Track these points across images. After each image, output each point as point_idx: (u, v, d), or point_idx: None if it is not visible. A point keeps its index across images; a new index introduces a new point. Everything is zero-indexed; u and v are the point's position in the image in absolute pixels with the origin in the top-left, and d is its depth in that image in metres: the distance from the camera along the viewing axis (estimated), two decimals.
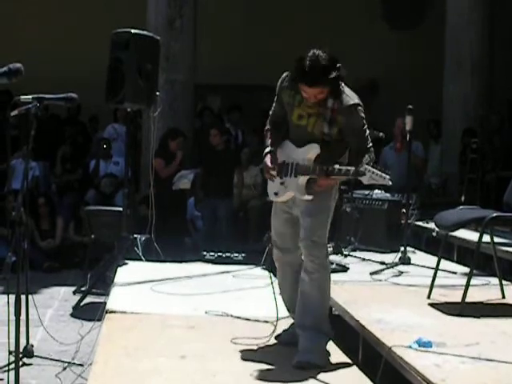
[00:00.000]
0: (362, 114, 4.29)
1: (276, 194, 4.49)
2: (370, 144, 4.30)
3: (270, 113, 4.61)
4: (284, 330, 4.55)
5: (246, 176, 10.93)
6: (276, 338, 4.52)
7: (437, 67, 12.06)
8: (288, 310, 4.62)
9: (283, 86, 4.40)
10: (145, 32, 7.81)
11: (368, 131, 4.33)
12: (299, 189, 4.34)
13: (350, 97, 4.27)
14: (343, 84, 4.25)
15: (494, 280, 5.82)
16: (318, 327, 4.27)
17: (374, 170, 4.05)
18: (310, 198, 4.30)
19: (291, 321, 4.57)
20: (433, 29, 12.78)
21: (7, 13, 13.42)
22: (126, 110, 7.86)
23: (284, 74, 4.41)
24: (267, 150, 4.46)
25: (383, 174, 4.06)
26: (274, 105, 4.57)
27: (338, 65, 4.11)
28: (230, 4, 13.80)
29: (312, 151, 4.30)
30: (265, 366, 4.08)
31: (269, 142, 4.50)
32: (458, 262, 7.20)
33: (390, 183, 4.09)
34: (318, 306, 4.30)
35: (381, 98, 13.62)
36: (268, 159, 4.42)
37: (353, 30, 13.80)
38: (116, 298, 5.55)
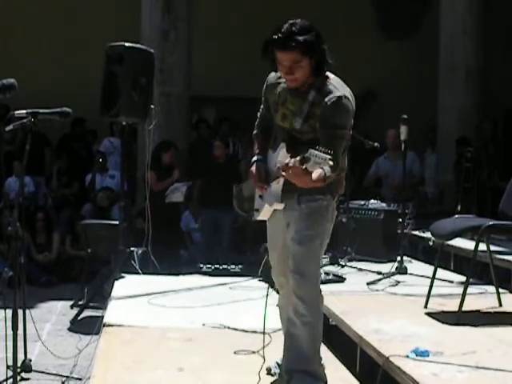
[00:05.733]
0: (346, 112, 3.65)
1: (257, 210, 3.99)
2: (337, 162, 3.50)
3: (258, 115, 4.20)
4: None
5: (244, 188, 10.88)
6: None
7: (433, 76, 12.07)
8: None
9: (269, 84, 3.94)
10: (139, 45, 7.83)
11: (344, 139, 3.63)
12: (270, 197, 3.84)
13: (337, 87, 3.68)
14: (332, 75, 3.75)
15: (491, 288, 5.83)
16: (310, 372, 3.82)
17: (317, 153, 3.36)
18: (281, 206, 3.80)
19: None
20: (430, 37, 12.77)
21: (4, 26, 13.46)
22: (122, 124, 7.87)
23: (271, 74, 3.95)
24: (254, 158, 4.01)
25: (324, 155, 3.35)
26: (261, 107, 4.13)
27: (314, 32, 3.63)
28: (224, 16, 13.82)
29: (281, 152, 3.79)
30: (263, 378, 4.07)
31: (256, 149, 4.05)
32: (454, 271, 7.20)
33: (331, 163, 3.35)
34: (310, 350, 3.82)
35: (378, 107, 13.62)
36: (254, 169, 3.97)
37: (349, 40, 13.82)
38: (113, 312, 5.55)
